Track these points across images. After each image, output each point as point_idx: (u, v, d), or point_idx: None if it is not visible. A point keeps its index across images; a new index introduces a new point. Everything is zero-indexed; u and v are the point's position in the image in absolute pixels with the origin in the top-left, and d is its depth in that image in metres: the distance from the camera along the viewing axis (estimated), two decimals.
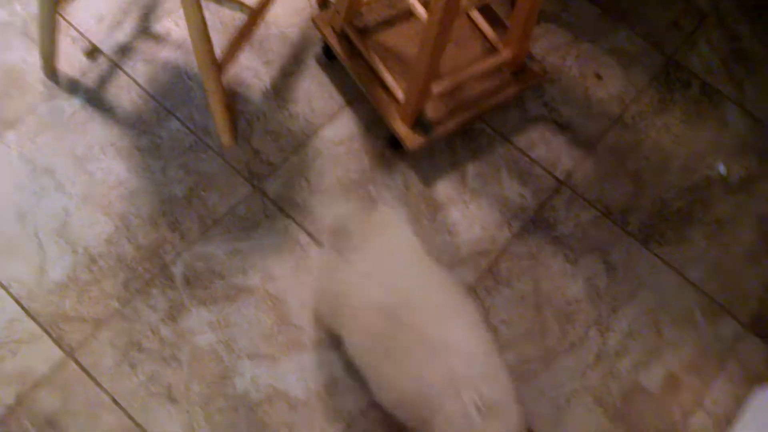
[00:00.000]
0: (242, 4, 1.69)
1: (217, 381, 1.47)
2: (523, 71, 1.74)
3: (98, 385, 1.44)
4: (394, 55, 1.69)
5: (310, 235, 1.62)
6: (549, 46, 1.93)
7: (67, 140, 1.66)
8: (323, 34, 1.71)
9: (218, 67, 1.54)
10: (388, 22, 1.73)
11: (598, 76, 1.92)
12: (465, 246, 1.65)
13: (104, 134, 1.67)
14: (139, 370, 1.46)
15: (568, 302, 1.62)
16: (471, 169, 1.74)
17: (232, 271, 1.57)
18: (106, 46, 1.78)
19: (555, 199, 1.73)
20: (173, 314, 1.51)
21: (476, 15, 1.76)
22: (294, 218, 1.63)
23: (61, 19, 1.78)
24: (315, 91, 1.79)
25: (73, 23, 1.80)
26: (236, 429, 1.43)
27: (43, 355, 1.45)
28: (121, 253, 1.56)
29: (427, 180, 1.71)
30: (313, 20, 1.72)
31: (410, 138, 1.61)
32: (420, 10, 1.51)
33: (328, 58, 1.81)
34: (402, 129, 1.62)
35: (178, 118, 1.71)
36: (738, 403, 1.56)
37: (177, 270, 1.56)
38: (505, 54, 1.68)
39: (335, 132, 1.74)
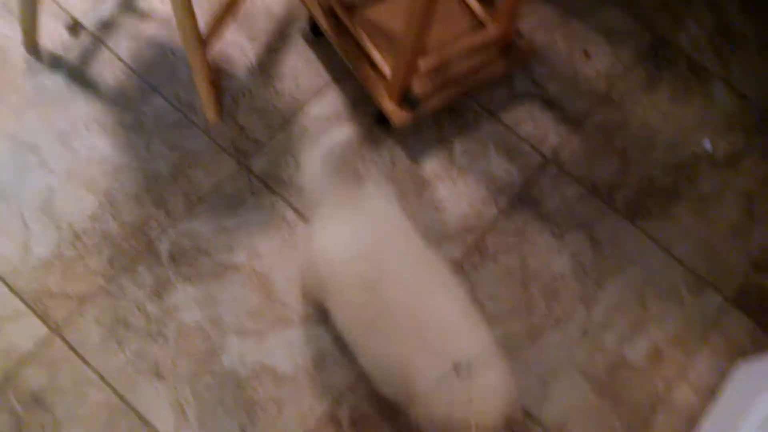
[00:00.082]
0: None
1: (204, 358, 1.47)
2: (510, 48, 1.73)
3: (85, 362, 1.44)
4: (381, 32, 1.68)
5: (296, 212, 1.61)
6: (537, 24, 1.92)
7: (50, 117, 1.64)
8: (310, 10, 1.69)
9: (203, 43, 1.52)
10: None
11: (586, 54, 1.91)
12: (452, 222, 1.65)
13: (88, 111, 1.65)
14: (125, 347, 1.46)
15: (554, 278, 1.62)
16: (458, 145, 1.74)
17: (218, 249, 1.56)
18: (89, 21, 1.76)
19: (542, 175, 1.73)
20: (159, 291, 1.51)
21: None
22: (280, 195, 1.62)
23: None
24: (301, 68, 1.77)
25: None
26: (224, 405, 1.44)
27: (28, 332, 1.45)
28: (105, 230, 1.55)
29: (415, 157, 1.71)
30: None
31: (397, 114, 1.61)
32: None
33: (314, 34, 1.80)
34: (389, 105, 1.61)
35: (162, 95, 1.69)
36: (721, 376, 1.58)
37: (162, 247, 1.55)
38: (493, 31, 1.67)
39: (322, 109, 1.73)
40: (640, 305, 1.62)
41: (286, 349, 1.49)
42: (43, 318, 1.46)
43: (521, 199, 1.70)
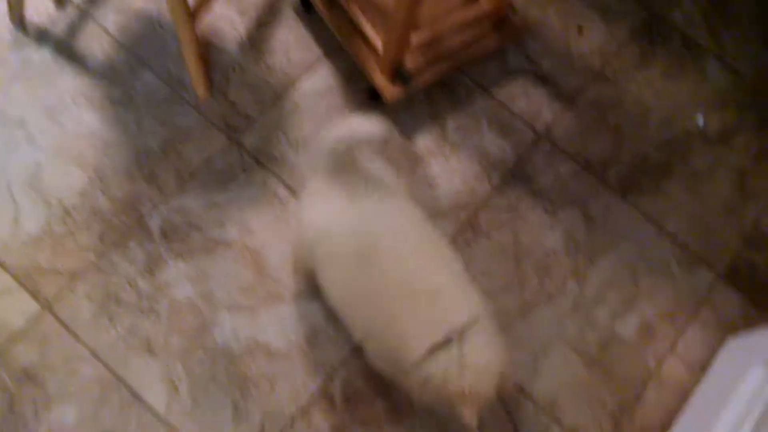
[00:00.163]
0: None
1: (197, 334, 1.47)
2: (503, 23, 1.71)
3: (76, 338, 1.43)
4: (373, 6, 1.65)
5: (288, 188, 1.60)
6: None
7: (37, 91, 1.62)
8: None
9: (191, 16, 1.49)
10: None
11: (580, 30, 1.90)
12: (445, 198, 1.65)
13: (75, 85, 1.63)
14: (117, 323, 1.45)
15: (547, 254, 1.63)
16: (451, 121, 1.73)
17: (210, 224, 1.55)
18: None
19: (535, 152, 1.73)
20: (150, 267, 1.50)
21: None
22: (272, 171, 1.61)
23: None
24: (292, 43, 1.75)
25: None
26: (216, 381, 1.44)
27: (18, 308, 1.44)
28: (95, 206, 1.53)
29: (407, 133, 1.70)
30: None
31: (389, 90, 1.59)
32: None
33: (305, 8, 1.77)
34: (381, 80, 1.59)
35: (151, 70, 1.67)
36: (711, 351, 1.59)
37: (153, 223, 1.54)
38: (486, 5, 1.65)
39: (313, 84, 1.71)
40: (632, 281, 1.63)
41: (278, 325, 1.49)
42: (34, 294, 1.45)
43: (514, 176, 1.69)
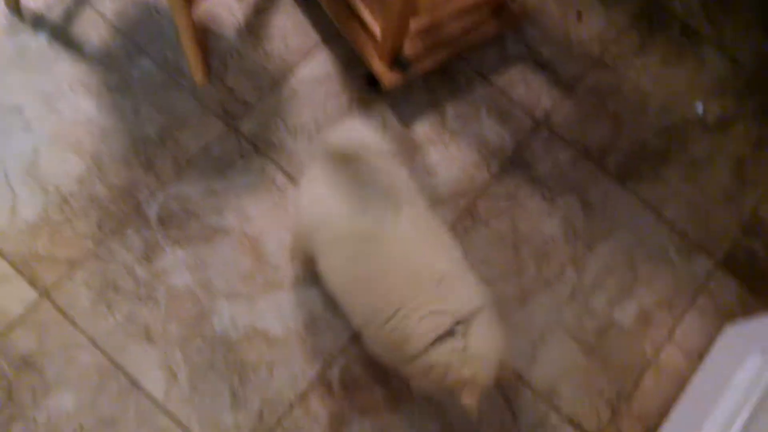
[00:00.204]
0: None
1: (195, 321, 1.47)
2: (503, 9, 1.70)
3: (74, 325, 1.43)
4: None
5: (286, 175, 1.60)
6: None
7: (33, 78, 1.60)
8: None
9: (188, 1, 1.48)
10: None
11: (579, 16, 1.89)
12: (444, 186, 1.64)
13: (72, 72, 1.62)
14: (115, 310, 1.45)
15: (545, 241, 1.63)
16: (450, 109, 1.72)
17: (208, 212, 1.55)
18: None
19: (534, 139, 1.72)
20: (148, 254, 1.50)
21: None
22: (270, 158, 1.61)
23: None
24: (290, 29, 1.74)
25: None
26: (215, 368, 1.44)
27: (17, 295, 1.43)
28: (93, 193, 1.53)
29: (406, 120, 1.69)
30: None
31: (388, 76, 1.58)
32: None
33: None
34: (379, 67, 1.59)
35: (149, 56, 1.66)
36: (709, 339, 1.60)
37: (151, 210, 1.53)
38: None
39: (311, 71, 1.71)
40: (630, 268, 1.63)
41: (277, 312, 1.49)
42: (32, 282, 1.45)
43: (513, 163, 1.69)
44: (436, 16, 1.59)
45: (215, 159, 1.59)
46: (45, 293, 1.44)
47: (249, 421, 1.41)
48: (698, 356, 1.58)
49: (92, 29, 1.67)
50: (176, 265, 1.50)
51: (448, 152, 1.68)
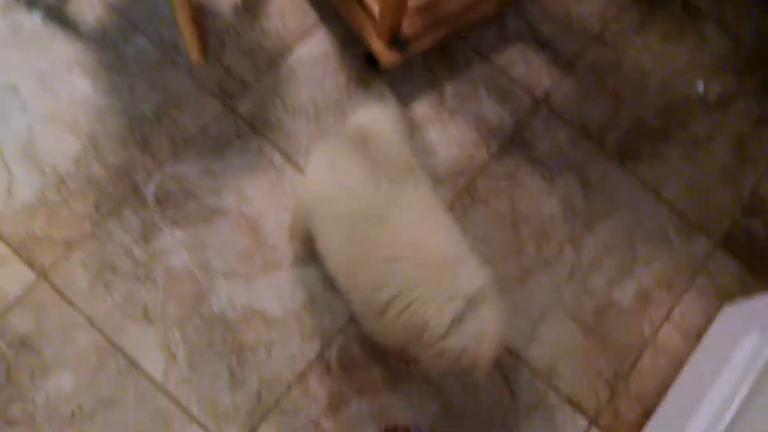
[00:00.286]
0: None
1: (193, 301, 1.46)
2: None
3: (72, 305, 1.43)
4: None
5: (284, 155, 1.59)
6: None
7: (28, 57, 1.59)
8: None
9: None
10: None
11: None
12: (443, 165, 1.63)
13: (67, 51, 1.60)
14: (113, 291, 1.45)
15: (544, 220, 1.62)
16: (449, 88, 1.71)
17: (205, 192, 1.54)
18: None
19: (533, 118, 1.71)
20: (146, 235, 1.49)
21: None
22: (268, 138, 1.59)
23: None
24: (288, 7, 1.72)
25: None
26: (213, 348, 1.44)
27: (14, 276, 1.43)
28: (90, 174, 1.52)
29: (405, 99, 1.68)
30: None
31: (386, 55, 1.57)
32: None
33: None
34: (378, 46, 1.57)
35: (144, 35, 1.64)
36: (708, 318, 1.60)
37: (148, 190, 1.52)
38: None
39: (309, 49, 1.69)
40: (629, 248, 1.63)
41: (275, 293, 1.49)
42: (29, 263, 1.44)
43: (512, 142, 1.68)
44: None
45: (212, 139, 1.58)
46: (42, 274, 1.44)
47: (247, 401, 1.41)
48: (697, 336, 1.58)
49: (87, 7, 1.65)
50: (174, 245, 1.49)
51: (447, 131, 1.67)
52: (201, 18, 1.67)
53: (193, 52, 1.61)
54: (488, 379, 1.49)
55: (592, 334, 1.55)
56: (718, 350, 1.47)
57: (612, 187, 1.67)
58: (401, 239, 1.12)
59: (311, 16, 1.71)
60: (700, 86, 1.81)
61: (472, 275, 1.12)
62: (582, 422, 1.49)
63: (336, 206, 1.17)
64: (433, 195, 1.19)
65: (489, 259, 1.55)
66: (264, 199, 1.55)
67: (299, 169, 1.58)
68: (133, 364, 1.41)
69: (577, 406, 1.50)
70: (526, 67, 1.75)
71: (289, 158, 1.58)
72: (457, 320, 1.09)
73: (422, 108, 1.68)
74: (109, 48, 1.62)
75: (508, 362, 1.51)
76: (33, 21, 1.62)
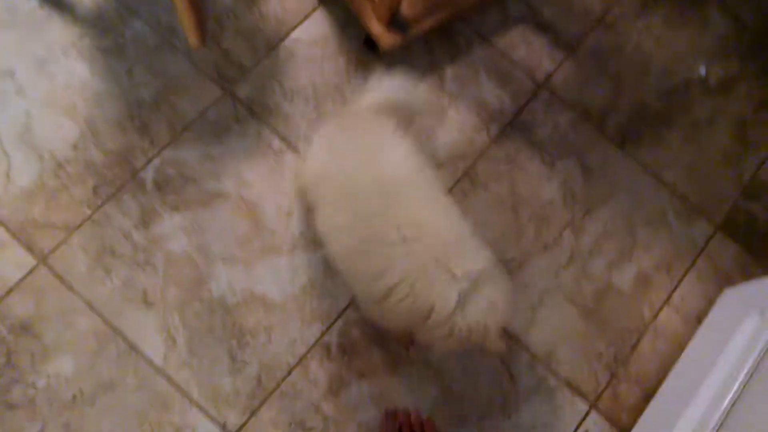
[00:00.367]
0: None
1: (193, 285, 1.46)
2: None
3: (72, 290, 1.43)
4: None
5: (283, 139, 1.58)
6: None
7: (24, 41, 1.58)
8: None
9: None
10: None
11: None
12: (442, 150, 1.63)
13: (64, 34, 1.59)
14: (113, 276, 1.45)
15: (544, 205, 1.62)
16: (449, 71, 1.69)
17: (204, 177, 1.53)
18: None
19: (534, 101, 1.70)
20: (145, 220, 1.49)
21: None
22: (267, 123, 1.59)
23: None
24: None
25: None
26: (213, 332, 1.44)
27: (13, 261, 1.43)
28: (88, 159, 1.51)
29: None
30: None
31: (385, 37, 1.55)
32: None
33: None
34: (377, 28, 1.56)
35: (141, 17, 1.62)
36: (708, 302, 1.60)
37: (147, 175, 1.52)
38: None
39: (308, 33, 1.68)
40: (629, 232, 1.62)
41: (275, 277, 1.49)
42: (29, 247, 1.44)
43: (513, 126, 1.67)
44: None
45: (211, 123, 1.57)
46: (42, 259, 1.44)
47: (247, 385, 1.42)
48: (697, 320, 1.58)
49: None
50: (174, 230, 1.49)
51: (447, 115, 1.66)
52: (199, 1, 1.65)
53: (191, 36, 1.59)
54: (488, 363, 1.49)
55: (592, 318, 1.55)
56: (718, 333, 1.47)
57: (612, 170, 1.66)
58: (403, 223, 1.12)
59: None
60: (702, 70, 1.79)
61: (476, 257, 1.12)
62: (582, 406, 1.50)
63: (335, 187, 1.17)
64: (434, 178, 1.19)
65: (488, 243, 1.56)
66: (263, 183, 1.54)
67: (298, 153, 1.57)
68: (133, 348, 1.41)
69: (576, 389, 1.51)
70: (527, 50, 1.74)
71: (287, 142, 1.58)
72: (463, 300, 1.08)
73: (422, 91, 1.66)
74: (106, 32, 1.60)
75: (508, 346, 1.51)
76: (29, 4, 1.60)
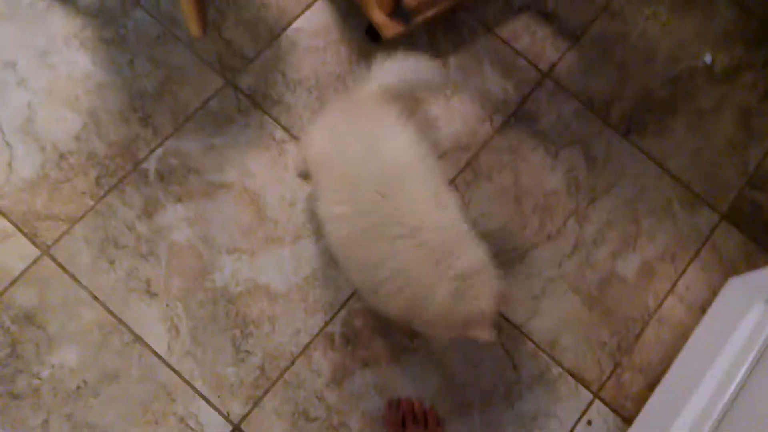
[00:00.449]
0: None
1: (197, 276, 1.47)
2: None
3: (76, 281, 1.43)
4: None
5: (285, 130, 1.58)
6: None
7: (26, 32, 1.57)
8: None
9: None
10: None
11: None
12: (445, 140, 1.62)
13: (66, 25, 1.59)
14: (116, 266, 1.45)
15: (548, 194, 1.61)
16: (452, 61, 1.69)
17: (207, 167, 1.53)
18: None
19: (538, 91, 1.69)
20: (149, 210, 1.49)
21: None
22: (269, 113, 1.58)
23: None
24: None
25: None
26: (217, 322, 1.44)
27: (17, 252, 1.43)
28: (91, 150, 1.51)
29: None
30: None
31: (388, 26, 1.55)
32: None
33: None
34: (379, 17, 1.55)
35: (143, 7, 1.62)
36: (712, 291, 1.59)
37: (150, 166, 1.52)
38: None
39: (310, 22, 1.67)
40: (633, 221, 1.62)
41: (278, 267, 1.49)
42: (32, 239, 1.44)
43: (516, 116, 1.66)
44: None
45: (213, 113, 1.57)
46: (45, 250, 1.44)
47: (251, 374, 1.42)
48: (701, 309, 1.58)
49: None
50: (177, 220, 1.49)
51: (450, 105, 1.65)
52: None
53: (193, 26, 1.59)
54: (491, 352, 1.49)
55: (596, 307, 1.55)
56: (723, 322, 1.46)
57: (617, 159, 1.65)
58: (402, 214, 1.11)
59: None
60: (708, 58, 1.78)
61: (471, 251, 1.12)
62: (585, 394, 1.50)
63: (336, 175, 1.17)
64: (436, 168, 1.18)
65: (492, 233, 1.56)
66: (266, 173, 1.54)
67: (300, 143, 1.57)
68: (136, 338, 1.41)
69: (580, 378, 1.50)
70: (531, 39, 1.73)
71: (290, 132, 1.57)
72: (456, 293, 1.09)
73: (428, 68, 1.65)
74: (108, 22, 1.60)
75: (511, 335, 1.51)
76: None
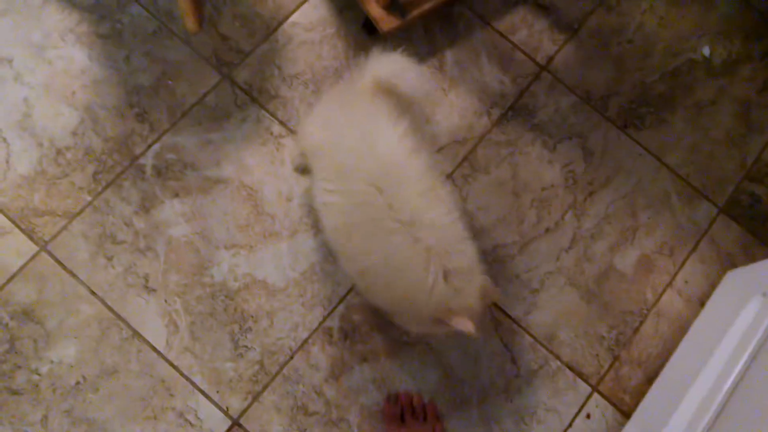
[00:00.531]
0: None
1: (195, 271, 1.47)
2: None
3: (74, 276, 1.43)
4: None
5: (282, 125, 1.57)
6: None
7: (22, 27, 1.57)
8: None
9: None
10: None
11: None
12: (443, 134, 1.62)
13: (62, 20, 1.58)
14: (115, 262, 1.45)
15: (546, 188, 1.61)
16: (450, 55, 1.68)
17: (205, 162, 1.53)
18: None
19: (535, 84, 1.68)
20: (146, 206, 1.49)
21: None
22: (266, 108, 1.58)
23: None
24: None
25: None
26: (215, 317, 1.45)
27: (15, 248, 1.43)
28: (88, 146, 1.51)
29: None
30: None
31: (385, 20, 1.54)
32: None
33: None
34: (376, 11, 1.54)
35: (138, 2, 1.61)
36: (711, 284, 1.59)
37: (147, 162, 1.52)
38: None
39: (307, 16, 1.66)
40: (630, 214, 1.61)
41: (276, 262, 1.49)
42: (30, 235, 1.44)
43: (514, 110, 1.66)
44: None
45: (210, 108, 1.56)
46: (43, 246, 1.44)
47: (250, 369, 1.42)
48: (699, 302, 1.58)
49: None
50: (174, 215, 1.49)
51: (447, 99, 1.65)
52: None
53: (189, 21, 1.58)
54: (489, 346, 1.49)
55: (594, 301, 1.55)
56: (721, 316, 1.46)
57: (614, 153, 1.65)
58: (394, 208, 1.11)
59: None
60: (706, 51, 1.77)
61: (460, 246, 1.12)
62: (584, 388, 1.50)
63: (329, 166, 1.17)
64: (430, 162, 1.18)
65: (489, 227, 1.56)
66: (263, 168, 1.54)
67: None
68: (135, 333, 1.41)
69: (578, 372, 1.51)
70: (528, 32, 1.72)
71: (287, 127, 1.57)
72: (440, 286, 1.09)
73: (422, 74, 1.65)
74: (104, 17, 1.60)
75: (509, 329, 1.51)
76: None
